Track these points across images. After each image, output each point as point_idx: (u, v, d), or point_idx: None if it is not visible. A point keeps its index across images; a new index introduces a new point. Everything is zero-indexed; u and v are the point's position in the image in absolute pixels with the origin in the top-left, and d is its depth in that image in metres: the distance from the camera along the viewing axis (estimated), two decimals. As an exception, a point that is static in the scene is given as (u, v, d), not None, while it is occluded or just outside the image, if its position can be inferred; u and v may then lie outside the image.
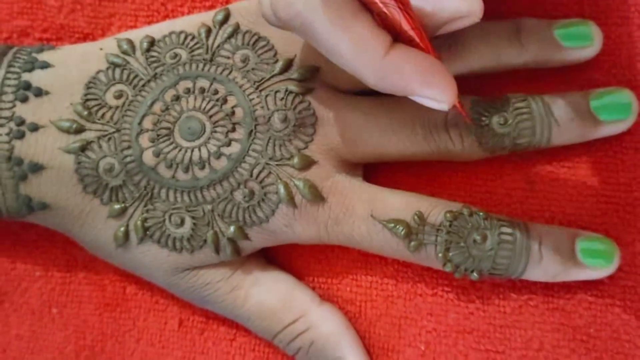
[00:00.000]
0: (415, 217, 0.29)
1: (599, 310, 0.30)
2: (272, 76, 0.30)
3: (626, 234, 0.30)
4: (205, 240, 0.30)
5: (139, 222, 0.30)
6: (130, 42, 0.31)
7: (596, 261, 0.29)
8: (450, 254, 0.28)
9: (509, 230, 0.29)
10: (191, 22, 0.32)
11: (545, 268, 0.29)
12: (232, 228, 0.30)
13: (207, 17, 0.32)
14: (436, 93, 0.25)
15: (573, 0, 0.32)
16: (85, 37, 0.35)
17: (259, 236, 0.30)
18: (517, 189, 0.31)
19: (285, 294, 0.31)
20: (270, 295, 0.31)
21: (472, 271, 0.29)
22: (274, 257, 0.33)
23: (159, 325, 0.34)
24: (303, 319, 0.31)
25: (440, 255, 0.29)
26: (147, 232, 0.30)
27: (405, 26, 0.25)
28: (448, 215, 0.29)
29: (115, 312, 0.34)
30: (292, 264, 0.33)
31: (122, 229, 0.30)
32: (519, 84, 0.31)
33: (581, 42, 0.30)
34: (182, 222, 0.30)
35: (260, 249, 0.31)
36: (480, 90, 0.31)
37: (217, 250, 0.30)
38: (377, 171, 0.32)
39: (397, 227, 0.29)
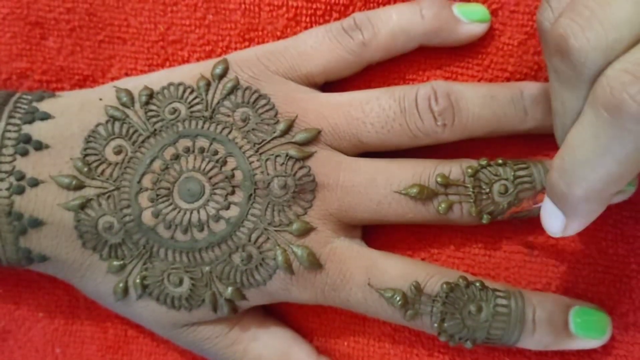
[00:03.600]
0: (412, 288, 0.29)
1: (591, 377, 0.30)
2: (273, 139, 0.30)
3: (621, 304, 0.30)
4: (203, 300, 0.30)
5: (137, 280, 0.30)
6: (129, 93, 0.31)
7: (588, 333, 0.29)
8: (446, 324, 0.29)
9: (504, 302, 0.29)
10: (189, 72, 0.31)
11: (538, 339, 0.29)
12: (229, 289, 0.30)
13: (205, 68, 0.31)
14: None
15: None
16: (85, 79, 0.34)
17: (256, 296, 0.31)
18: (516, 253, 0.31)
19: (283, 349, 0.32)
20: (268, 350, 0.32)
21: (467, 340, 0.29)
22: (273, 309, 0.33)
23: (160, 369, 0.34)
24: None
25: (435, 325, 0.29)
26: (146, 290, 0.30)
27: None
28: (445, 286, 0.29)
29: (118, 354, 0.35)
30: (291, 317, 0.33)
31: (122, 284, 0.31)
32: (519, 143, 0.31)
33: None
34: (181, 282, 0.30)
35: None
36: (481, 150, 0.31)
37: (214, 309, 0.30)
38: (376, 229, 0.32)
39: (394, 296, 0.29)
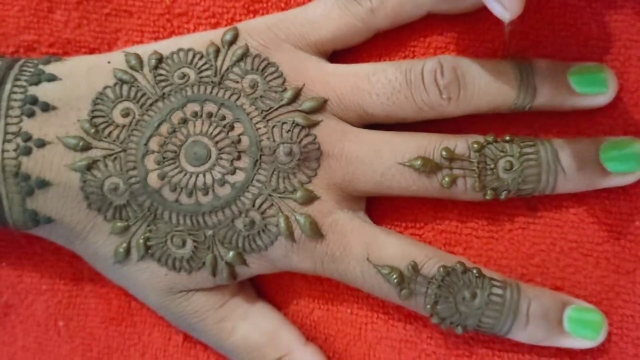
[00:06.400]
0: (410, 267, 0.29)
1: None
2: (280, 106, 0.30)
3: (627, 262, 0.30)
4: (204, 263, 0.30)
5: (141, 241, 0.30)
6: (138, 57, 0.31)
7: (582, 332, 0.29)
8: (438, 307, 0.29)
9: (499, 291, 0.29)
10: (199, 39, 0.32)
11: (530, 332, 0.29)
12: (231, 253, 0.30)
13: (215, 35, 0.32)
14: None
15: (593, 43, 0.31)
16: (92, 52, 0.35)
17: (257, 262, 0.31)
18: (519, 215, 0.31)
19: (272, 331, 0.32)
20: (256, 331, 0.32)
21: (458, 325, 0.29)
22: (277, 276, 0.33)
23: (164, 340, 0.34)
24: (287, 357, 0.31)
25: (428, 307, 0.29)
26: (149, 251, 0.31)
27: None
28: (442, 270, 0.29)
29: (121, 326, 0.34)
30: (293, 284, 0.33)
31: (124, 245, 0.31)
32: (527, 120, 0.31)
33: (596, 89, 0.30)
34: (184, 244, 0.30)
35: (256, 275, 0.32)
36: (489, 127, 0.31)
37: (214, 272, 0.30)
38: (381, 201, 0.32)
39: (391, 274, 0.29)
